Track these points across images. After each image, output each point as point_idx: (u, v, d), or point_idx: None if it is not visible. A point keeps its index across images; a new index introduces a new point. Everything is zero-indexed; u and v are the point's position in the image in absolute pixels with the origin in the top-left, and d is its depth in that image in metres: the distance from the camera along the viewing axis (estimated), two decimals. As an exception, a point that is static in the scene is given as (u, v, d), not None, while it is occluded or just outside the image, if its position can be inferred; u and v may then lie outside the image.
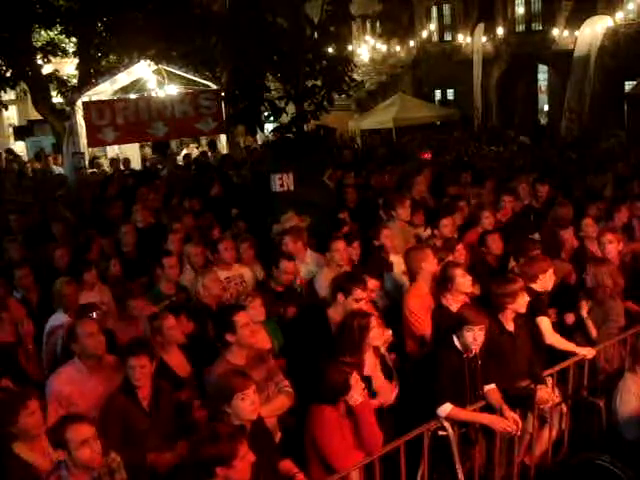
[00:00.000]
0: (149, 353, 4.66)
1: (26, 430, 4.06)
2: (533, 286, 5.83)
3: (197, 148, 19.94)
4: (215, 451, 3.58)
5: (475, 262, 6.92)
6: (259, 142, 19.24)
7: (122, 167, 15.60)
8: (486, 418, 4.97)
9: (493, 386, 5.03)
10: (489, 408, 5.01)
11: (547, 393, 5.31)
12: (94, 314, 5.48)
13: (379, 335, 5.13)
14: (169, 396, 4.78)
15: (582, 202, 8.66)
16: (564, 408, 5.68)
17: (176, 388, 4.98)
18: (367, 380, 4.82)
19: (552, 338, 5.77)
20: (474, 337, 4.84)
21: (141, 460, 4.35)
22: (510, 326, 5.43)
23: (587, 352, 5.74)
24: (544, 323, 5.76)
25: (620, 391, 5.59)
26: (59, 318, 5.92)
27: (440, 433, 4.83)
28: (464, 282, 5.76)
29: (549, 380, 5.49)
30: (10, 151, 20.92)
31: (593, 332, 5.92)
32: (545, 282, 5.92)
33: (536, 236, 7.38)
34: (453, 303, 5.66)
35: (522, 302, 5.42)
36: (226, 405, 4.11)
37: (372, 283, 5.93)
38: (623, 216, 7.78)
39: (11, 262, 7.48)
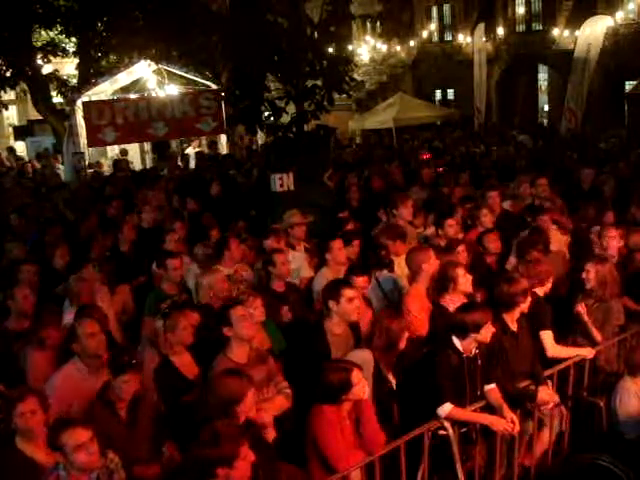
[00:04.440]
0: (138, 370, 4.63)
1: (23, 429, 4.08)
2: (537, 290, 5.80)
3: (198, 147, 19.91)
4: (217, 452, 3.56)
5: (474, 261, 6.90)
6: (259, 142, 19.22)
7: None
8: (486, 418, 4.96)
9: (493, 386, 5.01)
10: (489, 408, 5.01)
11: (548, 394, 5.30)
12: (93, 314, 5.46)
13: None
14: (150, 406, 4.74)
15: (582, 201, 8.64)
16: (563, 409, 5.67)
17: (184, 390, 4.94)
18: None
19: (554, 351, 5.69)
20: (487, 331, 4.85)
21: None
22: (514, 326, 5.41)
23: (587, 352, 5.73)
24: (547, 337, 5.67)
25: (620, 391, 5.59)
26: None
27: (440, 433, 4.82)
28: (465, 282, 5.76)
29: (549, 381, 5.48)
30: (11, 150, 20.90)
31: (597, 337, 5.85)
32: (548, 287, 5.91)
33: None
34: (451, 303, 5.64)
35: (529, 302, 5.43)
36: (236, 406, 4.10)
37: (360, 280, 5.88)
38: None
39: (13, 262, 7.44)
